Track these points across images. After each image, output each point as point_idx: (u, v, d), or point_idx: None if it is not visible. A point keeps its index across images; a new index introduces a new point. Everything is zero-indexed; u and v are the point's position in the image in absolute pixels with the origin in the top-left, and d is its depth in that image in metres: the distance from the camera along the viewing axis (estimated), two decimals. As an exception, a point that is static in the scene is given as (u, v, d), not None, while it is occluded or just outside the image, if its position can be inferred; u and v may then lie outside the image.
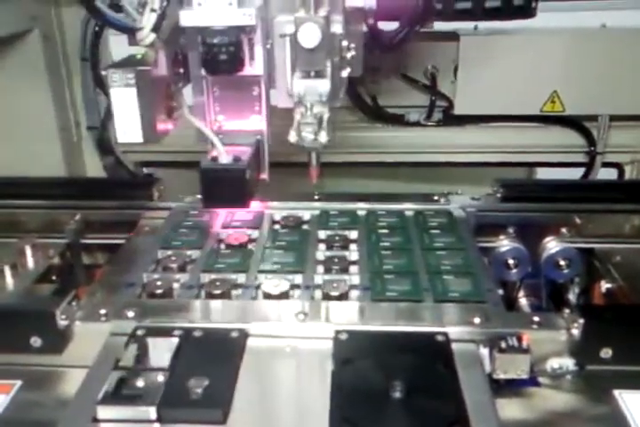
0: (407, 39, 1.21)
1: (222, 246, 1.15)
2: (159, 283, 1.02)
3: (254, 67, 1.02)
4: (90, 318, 0.92)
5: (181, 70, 1.07)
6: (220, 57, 0.94)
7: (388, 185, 1.78)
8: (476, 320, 0.90)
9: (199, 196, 1.09)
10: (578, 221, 1.21)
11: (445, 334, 0.88)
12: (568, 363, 0.86)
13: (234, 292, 1.01)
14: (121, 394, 0.78)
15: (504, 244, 1.15)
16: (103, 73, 1.00)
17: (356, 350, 0.86)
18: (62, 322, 0.90)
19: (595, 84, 1.63)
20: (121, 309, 0.93)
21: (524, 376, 0.83)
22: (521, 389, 0.85)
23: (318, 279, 1.03)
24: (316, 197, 1.30)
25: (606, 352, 0.87)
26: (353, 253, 1.11)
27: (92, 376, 0.83)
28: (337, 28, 0.96)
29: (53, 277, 1.16)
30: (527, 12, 1.35)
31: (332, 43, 0.94)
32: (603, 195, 1.28)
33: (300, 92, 0.97)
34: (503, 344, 0.84)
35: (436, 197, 1.28)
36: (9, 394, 0.83)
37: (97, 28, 1.62)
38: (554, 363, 0.86)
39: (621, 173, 1.77)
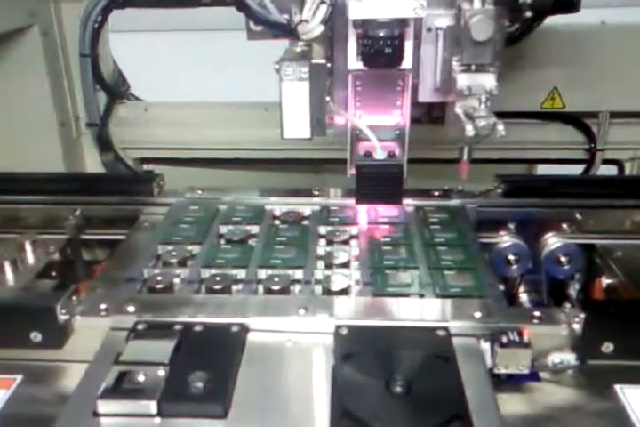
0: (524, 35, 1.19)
1: (222, 241, 1.15)
2: (159, 278, 1.02)
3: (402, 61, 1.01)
4: (90, 313, 0.92)
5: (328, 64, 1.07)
6: (386, 50, 0.94)
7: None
8: (477, 315, 0.90)
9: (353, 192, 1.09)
10: (578, 216, 1.21)
11: (446, 329, 0.88)
12: (569, 358, 0.86)
13: (234, 287, 1.01)
14: (121, 388, 0.78)
15: (505, 240, 1.15)
16: (275, 66, 1.01)
17: (356, 345, 0.85)
18: (62, 317, 0.90)
19: (595, 80, 1.63)
20: (121, 304, 0.93)
21: (525, 371, 0.83)
22: (522, 383, 0.85)
23: (319, 274, 1.03)
24: (316, 193, 1.30)
25: (607, 347, 0.87)
26: (354, 249, 1.11)
27: (93, 371, 0.83)
28: None
29: (53, 273, 1.15)
30: (573, 6, 1.33)
31: (495, 36, 0.94)
32: (603, 190, 1.28)
33: (466, 86, 0.96)
34: (504, 339, 0.84)
35: (436, 193, 1.28)
36: (9, 389, 0.83)
37: (96, 25, 1.62)
38: (555, 358, 0.86)
39: (621, 170, 1.77)
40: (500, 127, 0.97)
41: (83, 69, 1.68)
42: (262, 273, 1.04)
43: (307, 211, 1.24)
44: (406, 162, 1.15)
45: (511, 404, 0.81)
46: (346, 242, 1.14)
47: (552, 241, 1.14)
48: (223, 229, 1.18)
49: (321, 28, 0.95)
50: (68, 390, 0.81)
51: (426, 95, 1.05)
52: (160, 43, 2.64)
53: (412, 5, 0.92)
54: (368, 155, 1.05)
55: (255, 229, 1.18)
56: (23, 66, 1.67)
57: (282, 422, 0.76)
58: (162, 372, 0.79)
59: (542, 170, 1.91)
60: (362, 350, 0.84)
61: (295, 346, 0.88)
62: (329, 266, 1.06)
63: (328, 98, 1.07)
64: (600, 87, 1.64)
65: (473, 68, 0.96)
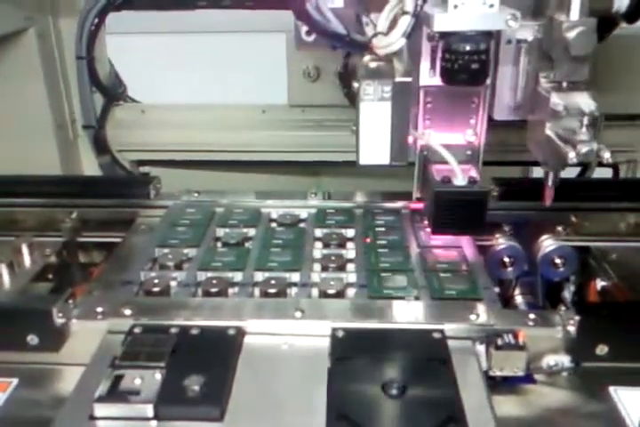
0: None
1: (219, 244, 1.16)
2: (156, 281, 1.02)
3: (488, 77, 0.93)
4: (86, 316, 0.92)
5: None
6: (472, 66, 0.84)
7: (385, 184, 1.78)
8: (473, 317, 0.90)
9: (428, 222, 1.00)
10: (574, 219, 1.22)
11: (442, 332, 0.88)
12: (564, 360, 0.87)
13: (230, 290, 1.01)
14: (118, 392, 0.78)
15: (500, 242, 1.15)
16: (355, 85, 0.92)
17: (352, 348, 0.86)
18: (59, 320, 0.90)
19: (589, 83, 1.64)
20: (118, 307, 0.93)
21: (521, 373, 0.84)
22: (517, 386, 0.85)
23: (315, 277, 1.03)
24: (313, 196, 1.30)
25: (602, 349, 0.87)
26: (350, 251, 1.11)
27: (89, 374, 0.83)
28: None
29: (50, 276, 1.15)
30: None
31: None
32: (599, 193, 1.29)
33: (562, 106, 0.87)
34: (499, 341, 0.84)
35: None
36: (5, 392, 0.83)
37: (93, 27, 1.62)
38: (550, 360, 0.87)
39: (617, 172, 1.78)
40: (607, 154, 0.87)
41: (79, 72, 1.68)
42: (259, 276, 1.04)
43: (303, 213, 1.25)
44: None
45: (506, 406, 0.82)
46: (342, 245, 1.14)
47: (547, 243, 1.14)
48: (220, 232, 1.19)
49: (402, 42, 0.85)
50: (64, 394, 0.81)
51: (503, 113, 0.97)
52: (157, 45, 2.63)
53: (504, 17, 0.81)
54: (446, 180, 0.95)
55: (252, 231, 1.18)
56: (20, 68, 1.67)
57: (278, 425, 0.76)
58: (158, 375, 0.80)
59: (538, 172, 1.91)
60: (358, 353, 0.84)
61: (291, 349, 0.88)
62: (325, 269, 1.07)
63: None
64: (595, 89, 1.64)
65: (564, 85, 0.87)
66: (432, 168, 1.02)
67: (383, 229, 1.18)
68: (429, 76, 0.96)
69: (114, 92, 1.79)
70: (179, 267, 1.08)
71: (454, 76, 0.87)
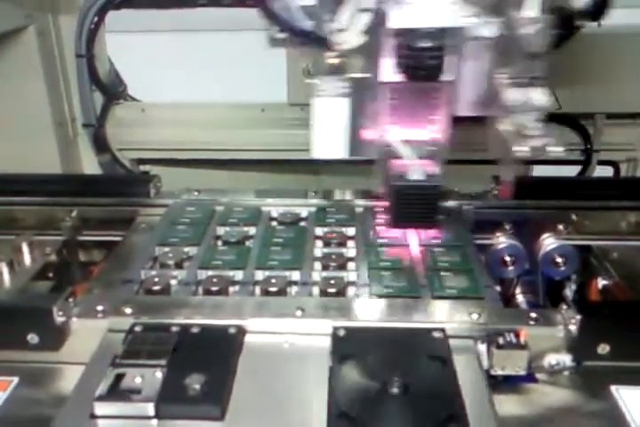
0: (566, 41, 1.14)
1: (219, 243, 1.15)
2: (156, 279, 1.02)
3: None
4: (87, 315, 0.92)
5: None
6: (429, 62, 0.85)
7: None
8: (474, 316, 0.90)
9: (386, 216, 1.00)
10: (575, 218, 1.21)
11: (443, 331, 0.88)
12: (565, 359, 0.86)
13: (231, 288, 1.01)
14: (118, 390, 0.77)
15: (501, 241, 1.15)
16: (310, 81, 0.93)
17: (353, 347, 0.85)
18: (59, 319, 0.90)
19: (590, 81, 1.64)
20: (118, 305, 0.93)
21: (522, 372, 0.83)
22: (518, 385, 0.85)
23: (316, 276, 1.03)
24: (314, 194, 1.30)
25: (603, 348, 0.87)
26: (350, 250, 1.11)
27: (90, 373, 0.82)
28: None
29: (50, 275, 1.15)
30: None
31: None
32: (599, 192, 1.28)
33: (516, 102, 0.88)
34: (501, 340, 0.84)
35: (432, 195, 1.28)
36: (6, 391, 0.83)
37: (92, 25, 1.62)
38: (551, 359, 0.86)
39: (617, 171, 1.78)
40: (557, 148, 0.89)
41: (79, 70, 1.68)
42: (259, 274, 1.04)
43: (304, 212, 1.24)
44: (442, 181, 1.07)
45: (508, 405, 0.81)
46: (343, 243, 1.14)
47: (548, 242, 1.14)
48: (220, 231, 1.18)
49: (360, 38, 0.87)
50: (64, 392, 0.81)
51: (465, 109, 0.98)
52: (157, 43, 2.63)
53: (460, 13, 0.83)
54: (403, 175, 0.97)
55: (252, 230, 1.18)
56: (19, 66, 1.67)
57: (279, 423, 0.76)
58: (159, 374, 0.79)
59: (538, 171, 1.91)
60: (359, 352, 0.84)
61: (292, 348, 0.88)
62: (326, 267, 1.06)
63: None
64: (596, 88, 1.65)
65: (522, 81, 0.89)
66: (391, 163, 1.03)
67: (383, 227, 1.17)
68: (391, 72, 0.96)
69: (114, 90, 1.79)
70: (179, 265, 1.08)
71: (411, 72, 0.89)
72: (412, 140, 1.03)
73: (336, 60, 0.95)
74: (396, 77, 0.94)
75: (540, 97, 0.90)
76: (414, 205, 0.98)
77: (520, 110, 0.90)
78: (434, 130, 1.03)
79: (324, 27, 0.94)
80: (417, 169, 0.97)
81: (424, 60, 0.86)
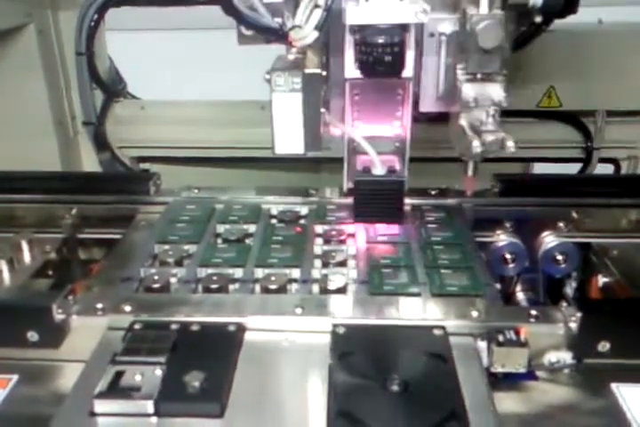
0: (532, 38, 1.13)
1: (219, 241, 1.15)
2: (156, 277, 1.02)
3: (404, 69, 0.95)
4: (87, 313, 0.92)
5: (324, 73, 1.00)
6: (385, 58, 0.87)
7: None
8: (474, 314, 0.90)
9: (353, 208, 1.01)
10: (575, 215, 1.21)
11: (443, 328, 0.88)
12: (565, 356, 0.86)
13: (231, 286, 1.01)
14: (118, 388, 0.77)
15: (501, 238, 1.15)
16: (266, 76, 0.94)
17: (353, 344, 0.85)
18: (59, 316, 0.90)
19: (591, 79, 1.64)
20: (118, 303, 0.93)
21: (522, 370, 0.83)
22: (518, 382, 0.85)
23: (316, 273, 1.03)
24: (313, 192, 1.29)
25: (604, 346, 0.87)
26: (350, 248, 1.11)
27: (89, 370, 0.82)
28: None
29: (50, 272, 1.15)
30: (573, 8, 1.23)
31: (503, 43, 0.88)
32: (600, 189, 1.28)
33: (472, 97, 0.90)
34: (501, 338, 0.84)
35: (433, 192, 1.28)
36: (5, 389, 0.83)
37: (92, 23, 1.61)
38: (551, 356, 0.86)
39: (618, 168, 1.78)
40: (510, 143, 0.91)
41: (79, 68, 1.68)
42: (259, 272, 1.03)
43: (304, 210, 1.24)
44: (407, 175, 1.10)
45: (508, 402, 0.82)
46: (342, 241, 1.14)
47: (549, 240, 1.14)
48: (220, 229, 1.18)
49: (315, 35, 0.88)
50: (64, 390, 0.81)
51: (428, 105, 0.99)
52: (157, 41, 2.63)
53: (415, 10, 0.85)
54: (367, 170, 0.99)
55: (252, 228, 1.18)
56: (19, 64, 1.66)
57: (278, 421, 0.76)
58: (158, 371, 0.79)
59: (539, 168, 1.91)
60: (359, 349, 0.84)
61: (292, 345, 0.88)
62: (326, 265, 1.06)
63: (323, 109, 1.01)
64: (597, 86, 1.64)
65: (479, 76, 0.90)
66: (356, 159, 1.04)
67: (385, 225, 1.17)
68: (354, 69, 0.97)
69: (114, 88, 1.79)
70: (179, 263, 1.07)
71: (369, 68, 0.90)
72: (375, 136, 1.04)
73: (294, 57, 0.97)
74: (357, 73, 0.95)
75: (495, 92, 0.90)
76: (377, 200, 0.99)
77: (476, 105, 0.91)
78: (397, 126, 1.04)
79: (286, 23, 0.95)
80: (380, 164, 0.98)
81: (381, 55, 0.87)
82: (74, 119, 1.80)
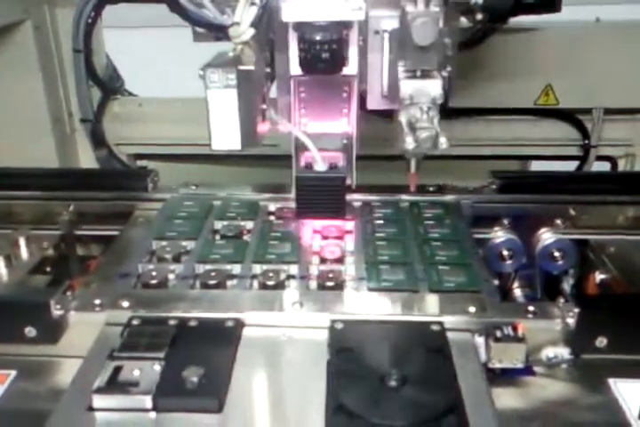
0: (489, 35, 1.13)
1: (217, 237, 1.15)
2: (154, 273, 1.02)
3: (347, 66, 0.95)
4: (84, 308, 0.92)
5: (268, 70, 1.00)
6: (323, 55, 0.87)
7: (383, 177, 1.78)
8: (472, 310, 0.90)
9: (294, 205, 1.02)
10: (572, 212, 1.21)
11: (441, 324, 0.88)
12: (563, 352, 0.87)
13: (229, 282, 1.01)
14: (116, 383, 0.78)
15: (499, 235, 1.15)
16: (200, 73, 0.93)
17: (351, 340, 0.86)
18: (57, 312, 0.90)
19: (589, 77, 1.64)
20: (116, 299, 0.93)
21: (520, 365, 0.84)
22: (516, 378, 0.85)
23: (313, 269, 1.03)
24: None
25: (601, 341, 0.87)
26: (348, 244, 1.11)
27: (88, 366, 0.82)
28: (440, 23, 0.88)
29: (47, 269, 1.15)
30: (551, 6, 1.24)
31: (440, 40, 0.88)
32: (597, 186, 1.28)
33: (409, 94, 0.90)
34: (499, 333, 0.84)
35: (431, 189, 1.28)
36: (3, 384, 0.83)
37: (89, 20, 1.61)
38: (549, 352, 0.87)
39: (615, 166, 1.78)
40: (443, 140, 0.91)
41: (76, 65, 1.68)
42: (257, 268, 1.03)
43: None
44: (354, 171, 1.09)
45: (505, 398, 0.82)
46: (340, 237, 1.14)
47: (546, 236, 1.14)
48: (218, 225, 1.18)
49: (251, 32, 0.88)
50: (62, 386, 0.81)
51: (374, 102, 0.99)
52: (154, 38, 2.63)
53: (350, 7, 0.85)
54: (308, 166, 0.99)
55: (250, 224, 1.18)
56: (16, 61, 1.66)
57: (277, 416, 0.76)
58: (157, 367, 0.79)
59: (536, 166, 1.91)
60: (357, 345, 0.84)
61: (290, 341, 0.88)
62: (323, 261, 1.06)
63: (265, 106, 1.01)
64: (594, 84, 1.65)
65: (418, 73, 0.90)
66: (300, 155, 1.04)
67: (382, 221, 1.17)
68: (294, 66, 0.97)
69: (111, 85, 1.79)
70: (177, 259, 1.07)
71: (308, 65, 0.90)
72: (323, 133, 1.04)
73: (232, 53, 0.96)
74: (298, 71, 0.95)
75: (431, 88, 0.90)
76: (318, 195, 0.98)
77: (412, 102, 0.91)
78: (344, 123, 1.03)
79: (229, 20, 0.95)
80: (321, 161, 0.98)
81: (319, 53, 0.87)
82: (71, 116, 1.79)
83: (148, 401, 0.75)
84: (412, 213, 1.21)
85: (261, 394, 0.79)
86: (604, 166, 1.78)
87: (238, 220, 1.19)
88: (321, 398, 0.77)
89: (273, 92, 1.07)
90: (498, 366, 0.84)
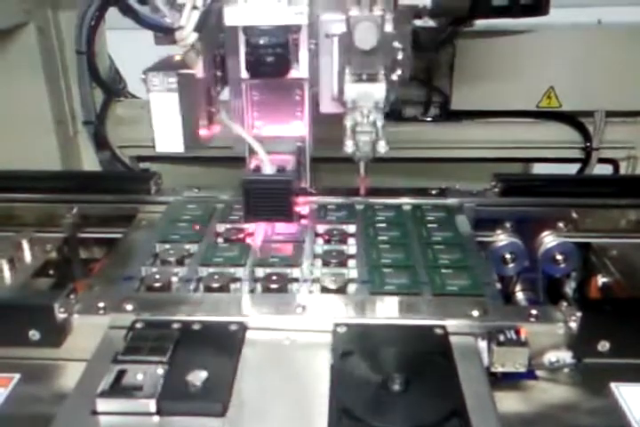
0: (452, 38, 1.13)
1: (220, 240, 1.15)
2: (157, 276, 1.02)
3: (298, 69, 0.95)
4: (88, 312, 0.92)
5: (219, 73, 1.00)
6: (267, 59, 0.87)
7: (385, 180, 1.78)
8: (475, 313, 0.90)
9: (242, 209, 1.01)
10: (575, 215, 1.21)
11: (444, 327, 0.88)
12: (565, 356, 0.87)
13: (232, 285, 1.01)
14: (120, 387, 0.78)
15: (501, 238, 1.15)
16: (142, 76, 0.93)
17: (354, 343, 0.86)
18: (60, 315, 0.90)
19: (591, 79, 1.64)
20: (119, 302, 0.93)
21: (522, 369, 0.84)
22: (519, 382, 0.86)
23: (316, 273, 1.03)
24: (314, 192, 1.30)
25: (603, 345, 0.87)
26: (351, 247, 1.11)
27: (91, 369, 0.83)
28: (388, 27, 0.89)
29: (51, 272, 1.15)
30: (538, 9, 1.27)
31: (387, 44, 0.88)
32: (600, 189, 1.28)
33: (352, 98, 0.90)
34: (501, 337, 0.84)
35: (433, 192, 1.28)
36: (7, 387, 0.83)
37: (93, 22, 1.61)
38: (551, 356, 0.87)
39: (617, 169, 1.78)
40: (382, 143, 0.92)
41: (79, 67, 1.68)
42: (260, 271, 1.04)
43: (304, 209, 1.24)
44: (309, 175, 1.09)
45: (508, 402, 0.82)
46: (343, 240, 1.14)
47: (548, 240, 1.14)
48: (221, 228, 1.18)
49: (194, 36, 0.87)
50: (66, 389, 0.81)
51: (326, 106, 0.99)
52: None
53: (293, 11, 0.85)
54: (256, 169, 0.98)
55: (253, 227, 1.18)
56: (19, 63, 1.66)
57: (280, 420, 0.76)
58: (160, 370, 0.80)
59: (538, 169, 1.91)
60: (360, 349, 0.84)
61: (293, 344, 0.88)
62: (326, 264, 1.06)
63: (213, 109, 1.01)
64: (596, 86, 1.65)
65: (364, 77, 0.89)
66: (251, 158, 1.04)
67: (384, 224, 1.18)
68: (241, 70, 0.96)
69: (114, 87, 1.79)
70: (180, 262, 1.08)
71: (253, 69, 0.90)
72: (277, 137, 1.04)
73: (179, 57, 0.95)
74: (245, 74, 0.95)
75: (374, 93, 0.90)
76: (266, 199, 0.98)
77: (354, 106, 0.91)
78: (295, 126, 1.04)
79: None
80: (269, 163, 0.98)
81: (263, 57, 0.87)
82: (74, 118, 1.79)
83: (151, 405, 0.76)
84: (415, 217, 1.21)
85: (265, 398, 0.79)
86: (606, 169, 1.78)
87: (241, 223, 1.19)
88: (324, 402, 0.77)
89: (226, 94, 1.07)
90: (500, 369, 0.84)
